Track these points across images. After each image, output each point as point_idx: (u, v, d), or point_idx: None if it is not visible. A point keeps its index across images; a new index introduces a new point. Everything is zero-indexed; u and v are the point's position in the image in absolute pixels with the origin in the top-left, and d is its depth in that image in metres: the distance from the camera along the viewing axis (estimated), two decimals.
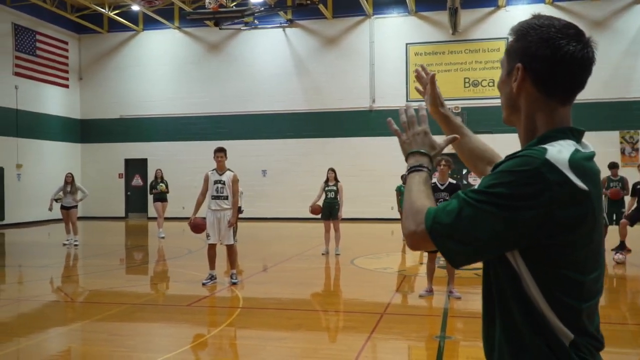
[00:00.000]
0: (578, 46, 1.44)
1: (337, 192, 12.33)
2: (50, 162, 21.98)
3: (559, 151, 1.36)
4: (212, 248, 8.95)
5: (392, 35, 21.88)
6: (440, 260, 8.42)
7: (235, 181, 8.94)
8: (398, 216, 21.47)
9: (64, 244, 14.10)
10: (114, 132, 23.70)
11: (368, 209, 20.89)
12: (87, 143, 24.06)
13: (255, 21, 22.28)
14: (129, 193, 23.84)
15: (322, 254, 12.25)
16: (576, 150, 1.39)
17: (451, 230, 1.35)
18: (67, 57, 23.24)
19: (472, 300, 7.72)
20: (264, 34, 22.68)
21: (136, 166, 23.58)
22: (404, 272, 10.05)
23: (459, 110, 21.18)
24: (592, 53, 1.48)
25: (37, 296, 8.26)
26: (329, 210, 12.34)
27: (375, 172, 21.24)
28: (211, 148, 23.65)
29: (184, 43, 23.38)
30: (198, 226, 8.86)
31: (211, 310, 7.65)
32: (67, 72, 23.24)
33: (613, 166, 12.45)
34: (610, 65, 20.44)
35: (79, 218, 15.30)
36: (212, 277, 8.96)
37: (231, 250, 8.96)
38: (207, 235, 8.83)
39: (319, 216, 12.50)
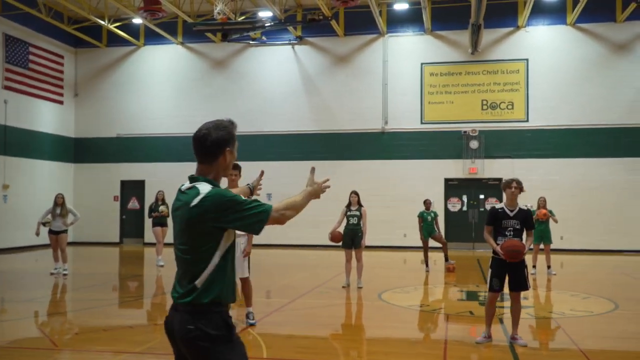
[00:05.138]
0: None
1: (360, 217, 11.04)
2: (40, 182, 20.57)
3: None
4: None
5: (407, 55, 20.82)
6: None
7: None
8: (411, 244, 20.19)
9: (52, 273, 12.66)
10: (110, 152, 22.37)
11: (379, 236, 19.52)
12: (81, 163, 22.68)
13: (263, 37, 21.21)
14: (124, 217, 22.43)
15: (343, 287, 10.90)
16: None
17: None
18: (62, 72, 22.00)
19: (541, 350, 6.37)
20: (271, 50, 21.58)
21: (133, 188, 22.22)
22: (441, 311, 8.67)
23: (476, 134, 20.04)
24: None
25: (14, 341, 6.85)
26: (350, 237, 11.02)
27: (387, 197, 19.99)
28: None
29: (187, 59, 22.24)
30: None
31: None
32: (61, 87, 21.99)
33: None
34: (635, 89, 19.44)
35: (70, 243, 13.90)
36: None
37: (246, 284, 7.60)
38: None
39: (340, 244, 11.18)
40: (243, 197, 2.69)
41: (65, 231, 12.86)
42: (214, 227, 2.59)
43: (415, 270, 14.68)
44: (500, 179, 20.11)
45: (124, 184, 22.39)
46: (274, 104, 21.34)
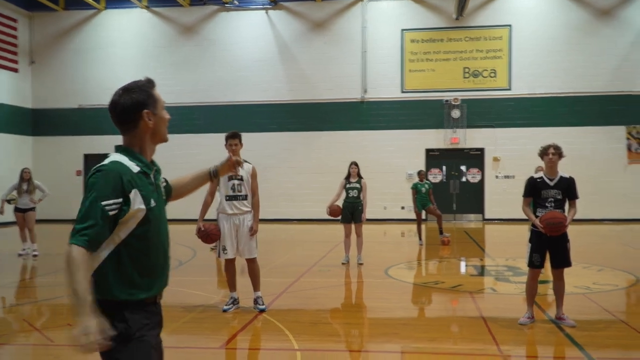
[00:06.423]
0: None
1: (360, 190, 10.35)
2: None
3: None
4: (230, 264, 6.80)
5: (387, 20, 20.02)
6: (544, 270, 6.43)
7: (254, 175, 6.82)
8: (391, 217, 19.82)
9: (20, 254, 11.55)
10: (71, 124, 20.93)
11: None
12: (40, 136, 21.19)
13: (235, 1, 20.02)
14: None
15: (342, 263, 10.23)
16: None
17: None
18: (15, 37, 20.33)
19: (588, 328, 5.82)
20: (244, 15, 20.42)
21: (97, 162, 20.50)
22: (461, 289, 8.06)
23: (458, 102, 19.51)
24: None
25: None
26: (350, 211, 10.34)
27: (367, 168, 19.02)
28: (183, 142, 21.06)
29: (152, 24, 20.84)
30: (211, 235, 6.62)
31: (261, 354, 5.49)
32: (15, 54, 20.33)
33: None
34: (617, 56, 19.19)
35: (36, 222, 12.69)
36: (234, 301, 6.80)
37: (254, 265, 6.80)
38: (224, 249, 6.66)
39: (338, 218, 10.48)
40: (106, 194, 2.19)
41: (33, 209, 11.75)
42: None
43: (404, 243, 14.16)
44: (482, 149, 19.75)
45: (88, 158, 21.04)
46: (248, 72, 20.25)
